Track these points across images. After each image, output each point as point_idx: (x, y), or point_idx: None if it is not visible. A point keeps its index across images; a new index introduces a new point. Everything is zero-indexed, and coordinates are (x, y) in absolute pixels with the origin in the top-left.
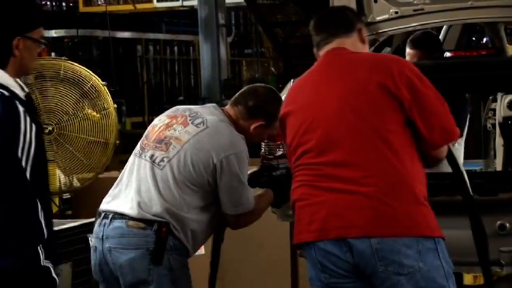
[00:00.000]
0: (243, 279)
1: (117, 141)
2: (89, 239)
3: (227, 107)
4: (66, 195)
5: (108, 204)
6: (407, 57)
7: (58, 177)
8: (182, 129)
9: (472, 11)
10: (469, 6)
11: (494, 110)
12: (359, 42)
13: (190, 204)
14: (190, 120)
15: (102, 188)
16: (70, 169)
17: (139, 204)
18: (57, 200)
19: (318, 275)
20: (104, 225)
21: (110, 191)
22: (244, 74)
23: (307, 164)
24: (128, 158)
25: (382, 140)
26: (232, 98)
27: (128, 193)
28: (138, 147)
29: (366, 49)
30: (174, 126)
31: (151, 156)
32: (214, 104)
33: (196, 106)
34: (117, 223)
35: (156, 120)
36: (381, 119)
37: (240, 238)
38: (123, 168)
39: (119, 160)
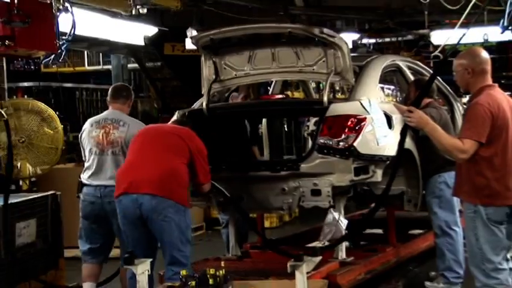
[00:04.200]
0: None
1: (63, 147)
2: (81, 197)
3: (114, 107)
4: (33, 179)
5: (93, 181)
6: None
7: (28, 168)
8: (117, 131)
9: (275, 74)
10: (273, 71)
11: (308, 126)
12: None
13: None
14: (116, 124)
15: (55, 174)
16: (35, 163)
17: None
18: (27, 182)
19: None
20: (100, 189)
21: (86, 174)
22: (139, 108)
23: (132, 165)
24: (70, 156)
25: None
26: (109, 102)
27: (106, 174)
28: (96, 149)
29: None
30: (111, 131)
31: (112, 152)
32: (113, 111)
33: (106, 114)
34: (111, 188)
35: (92, 132)
36: (178, 162)
37: None
38: (68, 162)
39: (64, 158)
